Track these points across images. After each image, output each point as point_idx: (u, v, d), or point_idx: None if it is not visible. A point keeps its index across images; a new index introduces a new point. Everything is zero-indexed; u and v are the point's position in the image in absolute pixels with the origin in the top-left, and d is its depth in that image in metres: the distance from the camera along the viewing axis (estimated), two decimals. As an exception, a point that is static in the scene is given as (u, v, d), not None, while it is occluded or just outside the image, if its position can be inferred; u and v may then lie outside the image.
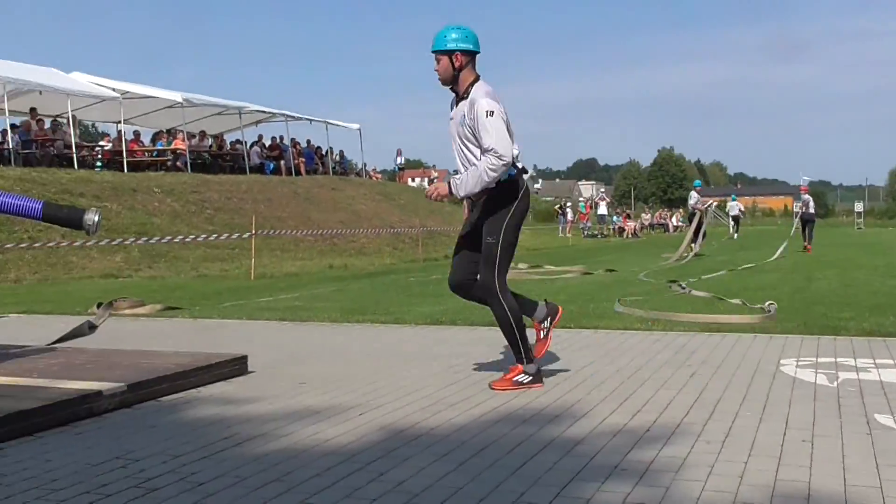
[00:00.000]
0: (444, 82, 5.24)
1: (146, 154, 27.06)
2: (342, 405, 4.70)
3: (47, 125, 24.40)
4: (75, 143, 24.31)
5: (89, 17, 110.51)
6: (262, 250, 18.64)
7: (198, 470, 3.52)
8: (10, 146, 22.14)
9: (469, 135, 5.10)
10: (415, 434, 4.06)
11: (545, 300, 5.52)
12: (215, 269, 17.62)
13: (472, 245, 5.30)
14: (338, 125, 35.59)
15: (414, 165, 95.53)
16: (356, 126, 36.36)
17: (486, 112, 4.97)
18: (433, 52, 5.16)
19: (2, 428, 4.04)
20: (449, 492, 3.19)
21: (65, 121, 25.08)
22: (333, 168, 34.39)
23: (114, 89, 26.24)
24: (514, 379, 5.16)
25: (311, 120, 34.07)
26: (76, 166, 23.29)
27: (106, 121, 31.57)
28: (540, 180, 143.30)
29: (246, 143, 30.65)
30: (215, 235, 18.89)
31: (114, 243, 16.90)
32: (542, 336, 5.36)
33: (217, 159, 28.94)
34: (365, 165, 39.92)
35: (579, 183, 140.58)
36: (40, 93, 24.40)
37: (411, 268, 19.26)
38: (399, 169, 44.19)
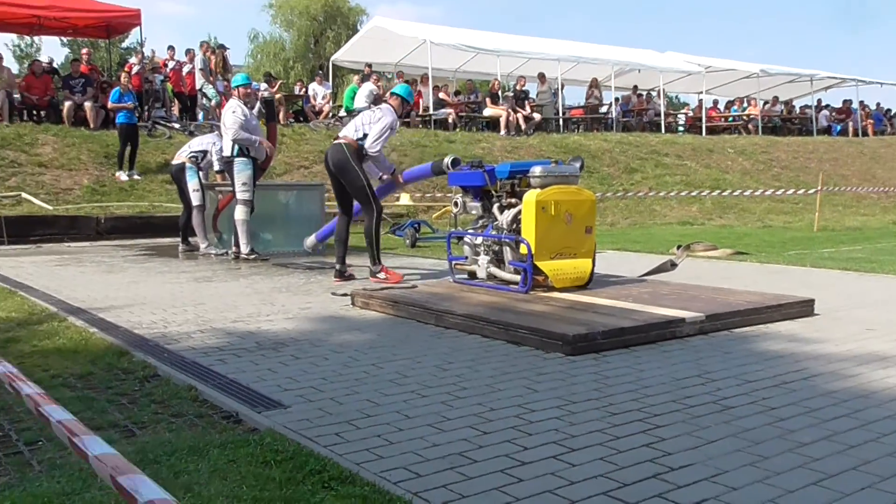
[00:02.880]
0: None
1: (722, 119, 26.73)
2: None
3: (643, 97, 25.26)
4: (663, 111, 24.85)
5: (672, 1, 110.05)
6: (825, 205, 17.23)
7: (769, 396, 3.37)
8: (614, 115, 23.41)
9: None
10: None
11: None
12: (779, 221, 16.81)
13: None
14: (909, 87, 31.27)
15: None
16: (930, 87, 31.52)
17: None
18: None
19: (606, 339, 4.29)
20: None
21: (656, 93, 25.72)
22: (902, 128, 30.37)
23: (699, 64, 26.19)
24: None
25: (881, 83, 30.54)
26: (663, 131, 23.83)
27: (688, 91, 31.64)
28: None
29: (814, 107, 28.58)
30: (781, 191, 18.07)
31: (691, 195, 17.06)
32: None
33: (786, 123, 27.49)
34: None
35: None
36: (639, 71, 25.33)
37: None
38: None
